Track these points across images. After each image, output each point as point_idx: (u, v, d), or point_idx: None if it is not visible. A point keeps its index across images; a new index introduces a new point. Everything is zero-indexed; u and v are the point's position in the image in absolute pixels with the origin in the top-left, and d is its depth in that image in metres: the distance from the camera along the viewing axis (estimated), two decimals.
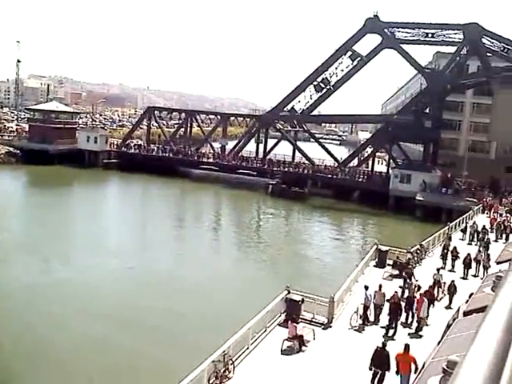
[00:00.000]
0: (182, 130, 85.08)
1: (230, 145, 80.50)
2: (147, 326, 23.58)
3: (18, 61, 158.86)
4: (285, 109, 74.66)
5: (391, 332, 19.31)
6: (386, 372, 14.94)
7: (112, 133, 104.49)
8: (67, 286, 28.46)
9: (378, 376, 15.02)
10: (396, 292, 20.33)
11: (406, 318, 20.37)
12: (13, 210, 47.92)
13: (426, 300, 19.81)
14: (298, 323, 18.91)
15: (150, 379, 19.36)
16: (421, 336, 19.04)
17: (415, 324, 20.00)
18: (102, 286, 28.90)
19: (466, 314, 16.50)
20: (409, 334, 19.00)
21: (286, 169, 70.47)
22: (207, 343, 17.79)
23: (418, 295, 20.64)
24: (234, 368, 15.70)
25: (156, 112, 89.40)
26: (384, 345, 15.54)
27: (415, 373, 14.46)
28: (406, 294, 22.12)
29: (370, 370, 15.13)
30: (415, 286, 22.46)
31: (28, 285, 27.92)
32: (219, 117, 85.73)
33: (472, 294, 19.13)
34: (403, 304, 20.23)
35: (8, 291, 27.04)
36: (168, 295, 27.70)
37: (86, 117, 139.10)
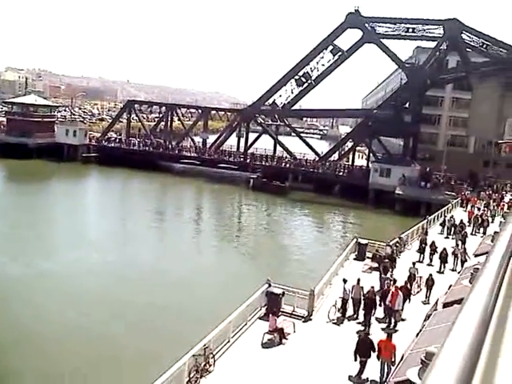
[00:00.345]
0: (163, 123, 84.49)
1: (211, 139, 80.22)
2: (129, 319, 23.51)
3: None
4: (266, 103, 74.62)
5: (367, 327, 19.30)
6: (369, 359, 15.34)
7: (91, 126, 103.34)
8: (49, 279, 28.31)
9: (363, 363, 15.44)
10: (372, 287, 20.21)
11: (384, 313, 20.28)
12: None
13: (400, 294, 19.84)
14: (278, 316, 18.98)
15: (132, 370, 19.32)
16: (396, 330, 19.02)
17: (391, 318, 19.82)
18: (84, 280, 28.66)
19: (444, 305, 16.75)
20: (382, 329, 18.88)
21: (268, 163, 70.55)
22: (189, 336, 17.82)
23: (393, 288, 20.43)
24: (214, 361, 15.73)
25: (136, 105, 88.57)
26: (367, 333, 16.15)
27: (393, 364, 14.77)
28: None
29: (356, 360, 15.42)
30: (391, 280, 22.57)
31: (10, 278, 27.82)
32: (200, 110, 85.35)
33: (451, 285, 19.42)
34: (378, 298, 20.17)
35: None
36: (150, 289, 27.59)
37: (65, 110, 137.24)
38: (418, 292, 23.35)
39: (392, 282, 21.97)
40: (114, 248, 36.26)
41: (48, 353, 20.34)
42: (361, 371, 15.41)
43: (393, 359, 14.92)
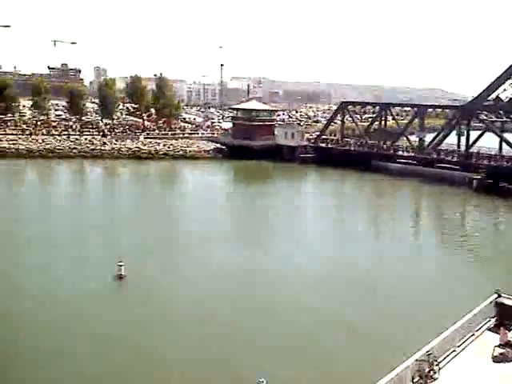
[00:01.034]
0: (377, 123, 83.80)
1: (428, 137, 76.92)
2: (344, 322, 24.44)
3: (221, 65, 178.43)
4: (489, 98, 68.86)
5: None
6: None
7: (308, 128, 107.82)
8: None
9: None
10: None
11: None
12: (223, 203, 52.79)
13: None
14: (510, 330, 17.48)
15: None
16: None
17: None
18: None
19: None
20: None
21: (493, 162, 64.70)
22: (410, 340, 17.67)
23: None
24: (439, 369, 15.19)
25: (349, 106, 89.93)
26: None
27: None
28: None
29: None
30: None
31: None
32: (415, 109, 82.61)
33: None
34: None
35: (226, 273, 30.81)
36: (371, 294, 28.11)
37: (283, 114, 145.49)
38: None
39: None
40: (332, 249, 37.59)
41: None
42: None
43: None
